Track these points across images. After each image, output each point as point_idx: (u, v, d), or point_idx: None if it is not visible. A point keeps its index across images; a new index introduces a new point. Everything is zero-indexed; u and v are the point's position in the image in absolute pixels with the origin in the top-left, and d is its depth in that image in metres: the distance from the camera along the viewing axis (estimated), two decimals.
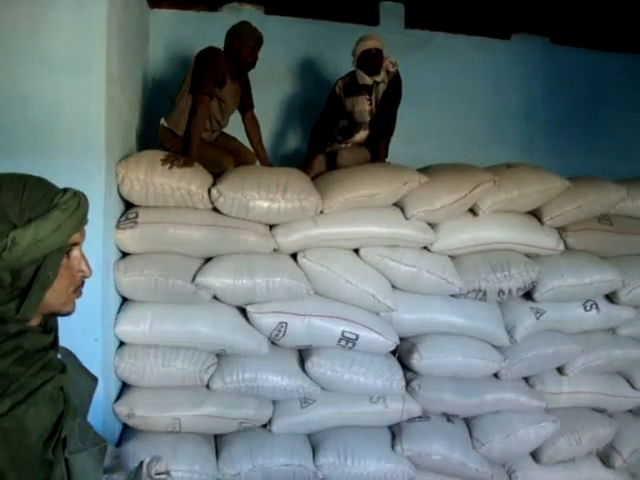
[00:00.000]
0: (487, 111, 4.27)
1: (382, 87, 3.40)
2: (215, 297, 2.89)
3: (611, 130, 4.62)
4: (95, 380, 1.34)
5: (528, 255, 3.19)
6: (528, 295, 3.19)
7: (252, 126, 3.45)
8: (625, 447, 3.36)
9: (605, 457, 3.41)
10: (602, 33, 4.57)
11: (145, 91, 3.74)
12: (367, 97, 3.42)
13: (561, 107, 4.47)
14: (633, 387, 3.41)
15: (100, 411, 2.59)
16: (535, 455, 3.31)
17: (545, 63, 4.47)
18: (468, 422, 3.21)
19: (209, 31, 3.45)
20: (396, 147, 3.50)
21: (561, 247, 3.20)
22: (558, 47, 4.54)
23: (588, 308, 3.24)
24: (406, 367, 3.09)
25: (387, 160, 3.45)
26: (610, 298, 3.32)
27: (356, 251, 3.04)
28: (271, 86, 3.90)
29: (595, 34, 4.55)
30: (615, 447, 3.38)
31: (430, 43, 4.25)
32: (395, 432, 3.07)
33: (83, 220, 1.15)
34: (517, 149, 4.14)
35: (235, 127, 3.44)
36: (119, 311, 2.90)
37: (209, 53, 3.09)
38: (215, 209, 2.89)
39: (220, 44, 3.16)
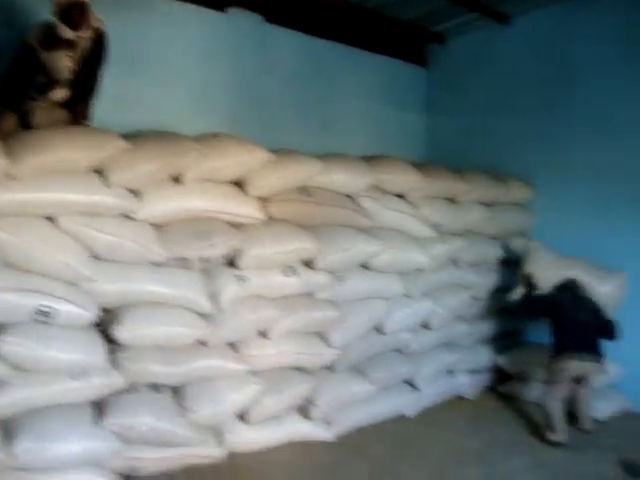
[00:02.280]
0: (198, 81, 4.23)
1: (87, 44, 3.15)
2: None
3: (317, 109, 4.95)
4: None
5: (232, 224, 3.28)
6: (232, 263, 3.28)
7: None
8: (321, 399, 3.68)
9: (304, 410, 3.69)
10: (317, 20, 4.84)
11: None
12: (68, 53, 3.13)
13: (271, 84, 4.64)
14: (328, 345, 3.72)
15: None
16: (242, 416, 3.44)
17: (258, 40, 4.58)
18: (177, 391, 3.22)
19: None
20: (101, 111, 3.29)
21: (263, 216, 3.36)
22: (271, 26, 4.67)
23: (289, 274, 3.45)
24: (110, 339, 2.97)
25: (88, 123, 3.24)
26: (308, 265, 3.57)
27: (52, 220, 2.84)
28: None
29: (309, 19, 4.80)
30: (312, 400, 3.67)
31: (147, 5, 4.05)
32: (100, 407, 2.95)
33: None
34: (226, 121, 4.18)
35: None
36: None
37: None
38: None
39: None
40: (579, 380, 4.06)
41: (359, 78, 5.32)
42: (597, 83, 4.80)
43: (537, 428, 4.09)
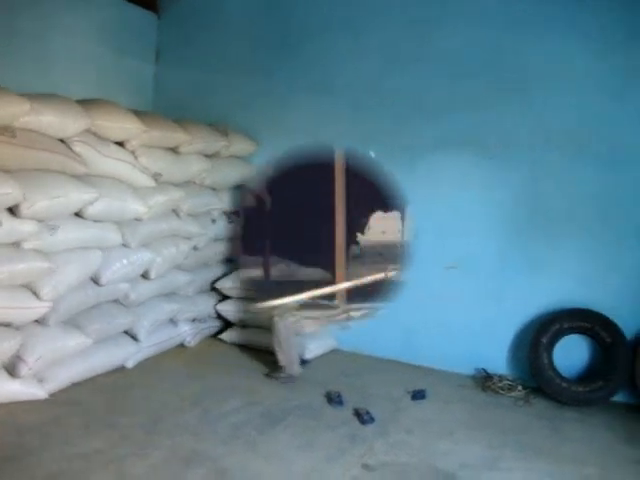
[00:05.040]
0: None
1: None
2: None
3: (30, 43, 4.50)
4: None
5: None
6: None
7: None
8: (30, 355, 3.46)
9: (12, 369, 3.45)
10: None
11: None
12: None
13: None
14: (38, 298, 3.50)
15: None
16: None
17: None
18: None
19: None
20: None
21: None
22: None
23: None
24: None
25: None
26: (14, 212, 3.31)
27: None
28: None
29: None
30: (21, 357, 3.45)
31: None
32: None
33: None
34: None
35: None
36: None
37: None
38: None
39: None
40: None
41: (83, 16, 4.98)
42: (316, 45, 5.11)
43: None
